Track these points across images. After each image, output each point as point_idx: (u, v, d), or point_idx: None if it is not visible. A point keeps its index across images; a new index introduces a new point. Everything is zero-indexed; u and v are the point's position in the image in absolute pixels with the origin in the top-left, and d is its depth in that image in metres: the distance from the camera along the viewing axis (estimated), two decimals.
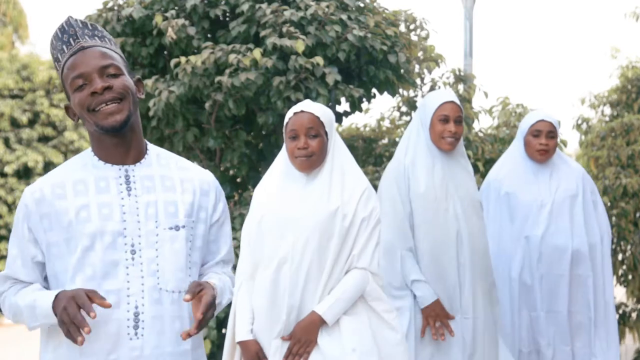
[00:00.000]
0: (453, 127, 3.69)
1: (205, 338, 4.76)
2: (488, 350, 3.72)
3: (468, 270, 3.70)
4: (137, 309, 2.13)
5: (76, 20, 2.24)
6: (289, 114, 3.19)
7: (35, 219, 2.17)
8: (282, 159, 3.27)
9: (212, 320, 4.81)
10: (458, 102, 3.74)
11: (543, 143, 4.14)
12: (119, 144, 2.21)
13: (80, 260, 2.13)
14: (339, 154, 3.24)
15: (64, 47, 2.21)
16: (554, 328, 4.10)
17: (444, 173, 3.73)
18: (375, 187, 3.96)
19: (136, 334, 2.13)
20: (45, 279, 2.22)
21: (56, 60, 2.23)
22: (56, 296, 2.06)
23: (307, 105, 3.19)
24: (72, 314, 1.99)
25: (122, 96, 2.17)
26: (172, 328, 2.18)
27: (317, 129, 3.14)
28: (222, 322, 4.89)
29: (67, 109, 2.26)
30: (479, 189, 4.13)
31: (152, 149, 2.30)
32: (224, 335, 4.89)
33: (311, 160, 3.14)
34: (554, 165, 4.22)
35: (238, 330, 3.15)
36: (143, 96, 2.29)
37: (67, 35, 2.22)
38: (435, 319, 3.61)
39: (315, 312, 3.07)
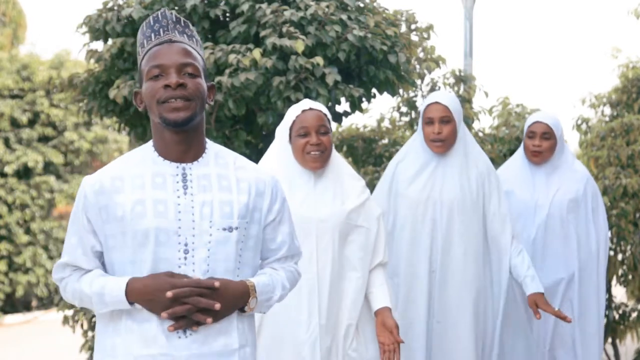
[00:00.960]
0: (437, 128, 3.67)
1: None
2: (456, 357, 3.68)
3: (439, 276, 3.68)
4: None
5: (171, 13, 2.29)
6: (295, 112, 3.19)
7: (94, 210, 2.21)
8: (280, 159, 3.25)
9: None
10: (446, 101, 3.70)
11: (536, 144, 4.17)
12: (180, 141, 2.23)
13: (133, 255, 2.17)
14: (336, 154, 3.30)
15: (152, 34, 2.25)
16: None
17: (431, 176, 3.71)
18: (375, 187, 3.99)
19: (184, 332, 2.16)
20: (103, 265, 2.26)
21: (141, 46, 2.28)
22: (127, 284, 2.12)
23: (312, 103, 3.21)
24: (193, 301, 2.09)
25: (192, 97, 2.20)
26: (220, 327, 2.19)
27: (326, 126, 3.17)
28: None
29: (137, 94, 2.29)
30: None
31: (211, 147, 2.32)
32: None
33: (324, 156, 3.17)
34: (554, 166, 4.21)
35: None
36: (212, 102, 2.32)
37: (159, 25, 2.26)
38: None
39: (388, 307, 3.17)
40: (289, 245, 2.37)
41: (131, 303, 2.13)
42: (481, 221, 3.74)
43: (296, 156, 3.18)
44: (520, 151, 4.33)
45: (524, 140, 4.26)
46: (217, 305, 2.10)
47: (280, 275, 2.33)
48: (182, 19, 2.31)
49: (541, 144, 4.16)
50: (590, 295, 4.16)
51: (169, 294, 2.06)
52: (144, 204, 2.18)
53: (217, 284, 2.10)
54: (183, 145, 2.24)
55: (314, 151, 3.14)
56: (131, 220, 2.17)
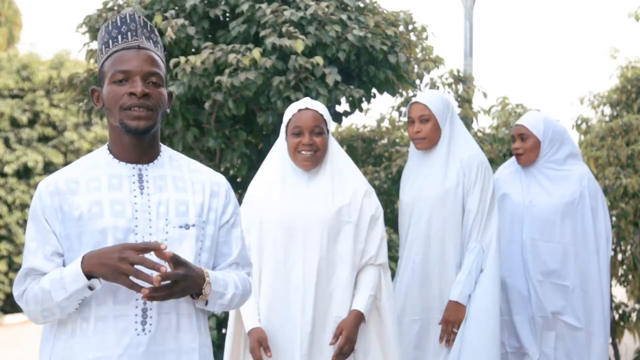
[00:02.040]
0: (416, 127, 3.73)
1: None
2: (437, 352, 3.68)
3: (418, 272, 3.69)
4: (146, 305, 2.16)
5: (140, 17, 2.28)
6: (292, 111, 3.21)
7: (50, 211, 2.20)
8: (278, 157, 3.27)
9: (211, 320, 4.82)
10: (424, 101, 3.72)
11: (515, 147, 4.21)
12: (137, 145, 2.24)
13: None
14: (336, 152, 3.29)
15: (119, 36, 2.24)
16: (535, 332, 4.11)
17: (416, 175, 3.78)
18: (375, 187, 4.00)
19: (143, 329, 2.16)
20: None
21: (105, 45, 2.26)
22: (83, 258, 2.10)
23: (310, 103, 3.21)
24: (135, 260, 2.04)
25: (155, 107, 2.21)
26: (179, 325, 2.20)
27: (321, 127, 3.17)
28: (222, 322, 4.89)
29: (94, 91, 2.29)
30: None
31: (165, 150, 2.34)
32: (224, 336, 4.89)
33: (315, 157, 3.17)
34: (547, 167, 4.19)
35: (245, 321, 3.16)
36: (168, 110, 2.33)
37: (126, 28, 2.25)
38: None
39: (358, 310, 3.14)
40: (240, 251, 2.36)
41: (88, 278, 2.09)
42: (461, 216, 3.71)
43: (290, 155, 3.20)
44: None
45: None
46: (163, 268, 2.04)
47: (232, 276, 2.31)
48: (149, 23, 2.31)
49: (519, 146, 4.18)
50: (594, 297, 4.14)
51: (123, 254, 2.03)
52: (100, 205, 2.18)
53: (163, 245, 2.06)
54: (140, 149, 2.25)
55: (306, 151, 3.15)
56: (88, 220, 2.17)
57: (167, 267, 2.07)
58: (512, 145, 4.26)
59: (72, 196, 2.20)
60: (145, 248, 2.07)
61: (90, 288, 2.12)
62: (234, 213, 2.36)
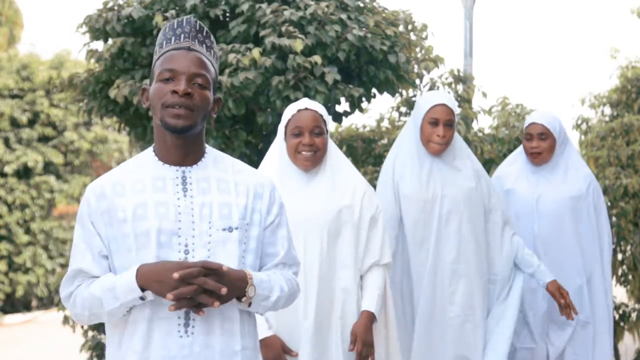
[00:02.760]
0: (442, 130, 3.65)
1: None
2: (475, 348, 3.70)
3: (447, 271, 3.68)
4: None
5: (196, 22, 2.32)
6: (291, 111, 3.20)
7: (97, 214, 2.23)
8: (277, 157, 3.26)
9: None
10: (451, 104, 3.69)
11: (534, 146, 4.16)
12: (180, 146, 2.26)
13: (135, 257, 2.18)
14: (335, 152, 3.28)
15: (173, 38, 2.29)
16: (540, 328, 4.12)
17: (432, 174, 3.71)
18: (375, 187, 3.97)
19: (186, 332, 2.18)
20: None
21: (159, 46, 2.31)
22: (138, 270, 2.13)
23: (309, 103, 3.21)
24: (200, 282, 2.08)
25: (196, 108, 2.23)
26: (222, 328, 2.21)
27: (321, 127, 3.17)
28: None
29: (144, 91, 2.33)
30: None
31: (210, 152, 2.35)
32: None
33: (316, 157, 3.17)
34: (556, 165, 4.20)
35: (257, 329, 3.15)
36: (215, 115, 2.35)
37: (181, 30, 2.29)
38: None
39: (369, 310, 3.14)
40: (287, 251, 2.36)
41: (142, 290, 2.13)
42: (483, 216, 3.76)
43: (289, 155, 3.19)
44: (520, 150, 4.32)
45: (523, 141, 4.26)
46: (224, 290, 2.09)
47: (278, 277, 2.31)
48: (206, 29, 2.34)
49: (539, 145, 4.15)
50: (598, 293, 4.15)
51: (176, 274, 2.06)
52: (145, 207, 2.21)
53: (225, 267, 2.11)
54: (183, 149, 2.27)
55: (306, 151, 3.15)
56: (133, 222, 2.19)
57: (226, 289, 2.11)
58: (527, 144, 4.17)
59: (118, 199, 2.22)
60: (202, 266, 2.09)
61: (142, 298, 2.15)
62: (279, 213, 2.35)
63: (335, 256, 3.15)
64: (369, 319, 3.15)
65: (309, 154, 3.15)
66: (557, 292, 3.75)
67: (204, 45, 2.31)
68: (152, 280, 2.11)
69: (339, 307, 3.14)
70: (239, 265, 2.23)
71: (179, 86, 2.21)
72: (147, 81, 4.75)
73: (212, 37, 2.35)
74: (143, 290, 2.13)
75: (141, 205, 2.21)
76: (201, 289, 2.09)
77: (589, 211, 4.17)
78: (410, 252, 3.71)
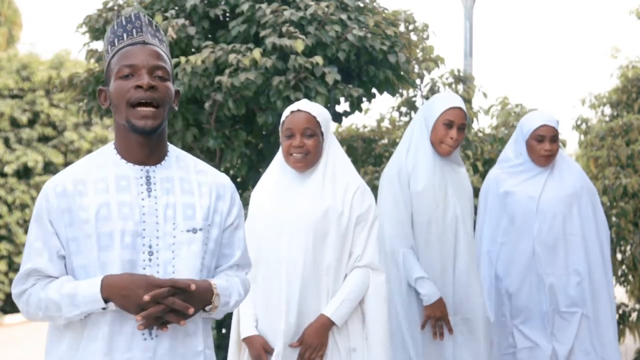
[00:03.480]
0: (455, 133, 3.70)
1: None
2: (480, 349, 3.73)
3: (464, 272, 3.70)
4: None
5: (145, 16, 2.29)
6: (286, 113, 3.21)
7: (57, 213, 2.18)
8: (278, 158, 3.29)
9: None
10: (465, 108, 3.75)
11: (547, 149, 4.13)
12: (144, 145, 2.23)
13: (98, 259, 2.15)
14: (333, 154, 3.25)
15: (124, 34, 2.25)
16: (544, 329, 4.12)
17: (443, 175, 3.74)
18: (375, 187, 3.96)
19: (150, 334, 2.15)
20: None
21: (110, 44, 2.26)
22: (102, 283, 2.10)
23: (304, 105, 3.21)
24: (168, 302, 2.08)
25: (162, 102, 2.20)
26: (185, 330, 2.19)
27: (313, 129, 3.16)
28: (222, 322, 4.89)
29: (100, 92, 2.28)
30: (479, 189, 4.14)
31: (173, 150, 2.33)
32: (223, 335, 4.89)
33: (306, 159, 3.16)
34: (555, 164, 4.22)
35: (243, 327, 3.15)
36: (176, 107, 2.32)
37: (132, 26, 2.26)
38: (438, 318, 3.62)
39: (324, 314, 3.07)
40: (242, 253, 2.36)
41: (105, 301, 2.10)
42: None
43: (283, 156, 3.21)
44: (519, 150, 4.26)
45: (528, 142, 4.20)
46: (191, 310, 2.09)
47: (236, 282, 2.32)
48: (154, 22, 2.32)
49: (552, 148, 4.14)
50: (601, 289, 4.15)
51: (146, 297, 2.04)
52: (108, 207, 2.17)
53: (193, 286, 2.09)
54: (147, 148, 2.24)
55: (296, 153, 3.15)
56: (96, 223, 2.15)
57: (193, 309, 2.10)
58: (539, 145, 4.10)
59: (80, 198, 2.18)
60: (171, 286, 2.08)
61: (104, 308, 2.12)
62: (238, 215, 2.35)
63: (321, 259, 3.11)
64: (322, 323, 3.07)
65: (299, 156, 3.14)
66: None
67: (157, 38, 2.29)
68: (117, 294, 2.08)
69: (323, 308, 3.10)
70: (200, 266, 2.22)
71: (141, 80, 2.18)
72: None
73: (161, 30, 2.34)
74: (106, 301, 2.10)
75: (104, 206, 2.17)
76: (169, 308, 2.08)
77: (587, 207, 4.18)
78: (419, 251, 3.69)
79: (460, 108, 3.72)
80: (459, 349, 3.69)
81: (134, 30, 2.25)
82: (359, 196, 3.19)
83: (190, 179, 2.28)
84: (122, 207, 2.17)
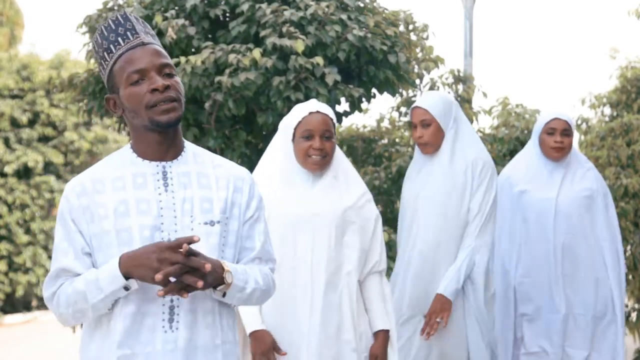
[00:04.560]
0: (418, 132, 3.76)
1: None
2: (450, 347, 3.72)
3: (414, 268, 3.73)
4: (173, 302, 2.17)
5: (131, 14, 2.28)
6: (302, 113, 3.17)
7: (78, 211, 2.21)
8: (282, 156, 3.24)
9: None
10: (425, 105, 3.75)
11: (558, 140, 4.12)
12: (161, 142, 2.25)
13: (117, 254, 2.16)
14: (339, 155, 3.28)
15: (120, 39, 2.24)
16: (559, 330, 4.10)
17: (422, 174, 3.80)
18: (375, 187, 4.00)
19: (171, 327, 2.17)
20: None
21: (107, 51, 2.25)
22: (120, 259, 2.11)
23: (319, 106, 3.20)
24: (175, 259, 2.06)
25: (178, 97, 2.22)
26: (205, 322, 2.21)
27: (331, 131, 3.17)
28: None
29: (108, 100, 2.28)
30: None
31: (189, 146, 2.34)
32: None
33: (325, 161, 3.17)
34: (569, 164, 4.19)
35: (249, 321, 3.12)
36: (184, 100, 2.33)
37: (124, 29, 2.25)
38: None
39: (384, 329, 3.19)
40: (263, 245, 2.36)
41: (126, 278, 2.11)
42: (465, 216, 3.73)
43: (297, 157, 3.17)
44: (531, 149, 4.26)
45: (539, 136, 4.15)
46: (208, 266, 2.07)
47: (254, 270, 2.31)
48: (140, 19, 2.32)
49: (563, 140, 4.12)
50: (616, 294, 4.14)
51: (159, 275, 2.04)
52: (126, 204, 2.19)
53: (196, 237, 2.08)
54: (164, 145, 2.25)
55: (316, 155, 3.14)
56: (115, 219, 2.18)
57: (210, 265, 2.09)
58: (549, 138, 4.11)
59: (99, 195, 2.21)
60: (179, 244, 2.08)
61: (126, 288, 2.13)
62: (257, 208, 2.35)
63: (342, 255, 3.16)
64: (385, 339, 3.18)
65: (319, 158, 3.14)
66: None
67: (149, 35, 2.28)
68: (133, 265, 2.09)
69: (346, 306, 3.13)
70: (218, 258, 2.21)
71: (155, 83, 2.18)
72: None
73: (148, 25, 2.33)
74: (127, 278, 2.11)
75: (122, 203, 2.19)
76: (185, 269, 2.07)
77: (602, 208, 4.17)
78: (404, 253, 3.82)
79: (418, 107, 3.78)
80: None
81: (129, 33, 2.25)
82: (369, 202, 3.28)
83: (207, 173, 2.29)
84: (140, 203, 2.20)
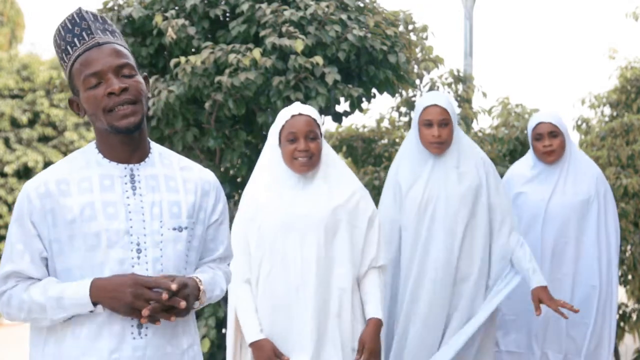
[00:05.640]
0: (436, 131, 3.67)
1: (204, 337, 4.76)
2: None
3: (428, 274, 3.67)
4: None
5: (87, 12, 2.20)
6: (285, 117, 3.21)
7: (40, 214, 2.14)
8: (271, 162, 3.26)
9: (211, 319, 4.82)
10: (444, 104, 3.69)
11: (546, 144, 4.13)
12: (126, 143, 2.20)
13: (85, 259, 2.12)
14: (330, 155, 3.30)
15: (76, 40, 2.17)
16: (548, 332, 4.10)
17: (431, 175, 3.72)
18: (375, 187, 3.99)
19: (139, 333, 2.14)
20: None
21: (64, 52, 2.19)
22: (91, 286, 2.08)
23: (303, 108, 3.22)
24: (150, 297, 2.06)
25: (137, 98, 2.16)
26: (173, 329, 2.19)
27: (315, 131, 3.17)
28: (221, 322, 4.89)
29: (72, 102, 2.22)
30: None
31: (155, 147, 2.30)
32: (223, 335, 4.89)
33: (311, 162, 3.18)
34: (567, 167, 4.18)
35: (248, 331, 3.14)
36: (149, 94, 2.28)
37: (80, 28, 2.17)
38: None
39: (376, 317, 3.18)
40: (226, 246, 2.38)
41: (94, 304, 2.08)
42: (486, 213, 3.72)
43: (285, 160, 3.20)
44: (529, 153, 4.29)
45: (531, 143, 4.21)
46: (183, 303, 2.08)
47: (219, 275, 2.33)
48: (98, 15, 2.23)
49: (551, 143, 4.13)
50: (607, 300, 4.12)
51: (145, 311, 2.04)
52: (93, 207, 2.14)
53: (174, 286, 2.07)
54: (130, 147, 2.21)
55: (302, 157, 3.15)
56: (81, 223, 2.12)
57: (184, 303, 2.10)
58: (538, 144, 4.13)
59: (64, 198, 2.14)
60: (157, 284, 2.07)
61: (91, 311, 2.11)
62: (222, 211, 2.35)
63: (332, 255, 3.16)
64: (377, 326, 3.18)
65: (305, 160, 3.16)
66: (536, 300, 3.65)
67: (107, 32, 2.20)
68: (106, 297, 2.07)
69: (335, 305, 3.14)
70: (183, 263, 2.22)
71: (112, 86, 2.12)
72: None
73: (108, 20, 2.24)
74: (95, 304, 2.09)
75: (89, 206, 2.13)
76: (165, 306, 2.08)
77: (598, 215, 4.14)
78: (401, 253, 3.73)
79: (436, 105, 3.68)
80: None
81: (84, 33, 2.17)
82: (364, 199, 3.27)
83: (175, 176, 2.27)
84: (107, 207, 2.15)
